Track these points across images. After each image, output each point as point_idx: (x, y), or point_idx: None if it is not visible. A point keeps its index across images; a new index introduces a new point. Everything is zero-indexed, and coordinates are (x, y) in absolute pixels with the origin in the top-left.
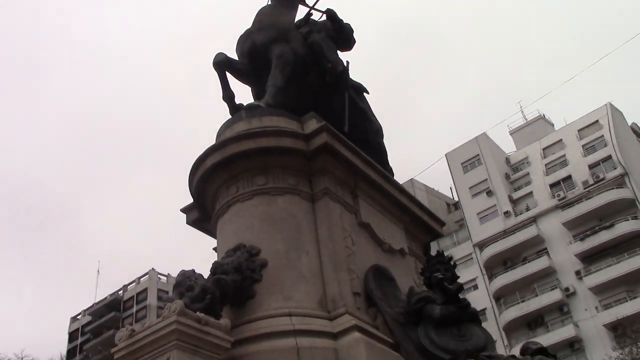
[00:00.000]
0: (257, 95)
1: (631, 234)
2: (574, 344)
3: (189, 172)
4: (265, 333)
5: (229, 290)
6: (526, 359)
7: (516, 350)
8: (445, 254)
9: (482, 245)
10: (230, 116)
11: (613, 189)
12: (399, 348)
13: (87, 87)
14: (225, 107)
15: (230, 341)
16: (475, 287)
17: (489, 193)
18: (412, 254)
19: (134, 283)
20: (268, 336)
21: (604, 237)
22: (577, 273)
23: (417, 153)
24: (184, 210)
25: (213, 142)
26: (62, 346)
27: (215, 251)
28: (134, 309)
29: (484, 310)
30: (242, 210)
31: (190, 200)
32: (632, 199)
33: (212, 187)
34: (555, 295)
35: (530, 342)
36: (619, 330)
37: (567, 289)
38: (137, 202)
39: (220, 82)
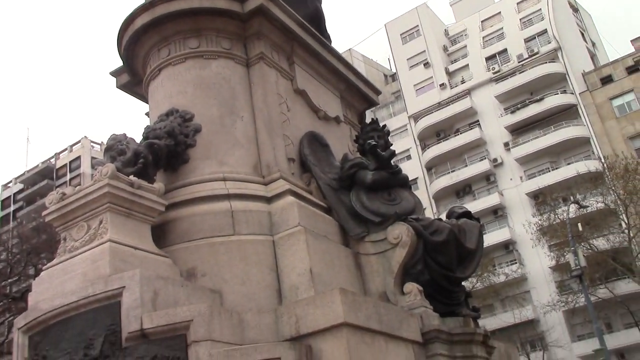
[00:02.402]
0: None
1: (559, 108)
2: (497, 211)
3: (117, 32)
4: (199, 197)
5: (162, 155)
6: (451, 221)
7: (444, 217)
8: (381, 124)
9: (417, 117)
10: None
11: (546, 63)
12: (331, 212)
13: None
14: None
15: (163, 204)
16: (409, 157)
17: (426, 65)
18: (347, 121)
19: (67, 151)
20: (202, 200)
21: (533, 110)
22: (506, 144)
23: (357, 23)
24: (113, 73)
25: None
26: None
27: (148, 116)
28: (68, 177)
29: (415, 179)
30: (174, 74)
31: (120, 63)
32: (562, 73)
33: (143, 50)
34: (483, 166)
35: (455, 206)
36: (540, 198)
37: (495, 160)
38: (65, 66)
39: None
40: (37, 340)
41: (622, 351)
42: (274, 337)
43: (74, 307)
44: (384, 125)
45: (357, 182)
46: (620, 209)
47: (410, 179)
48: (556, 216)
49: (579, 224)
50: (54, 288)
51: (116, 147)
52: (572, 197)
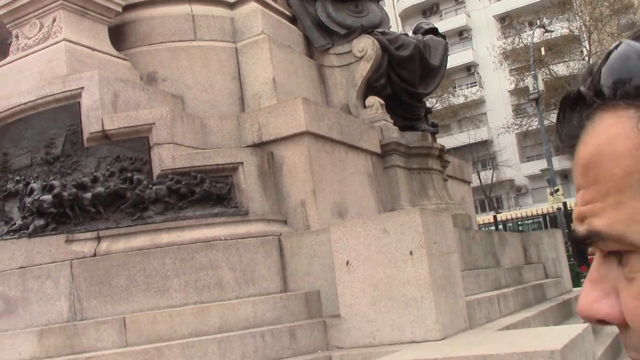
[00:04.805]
0: None
1: None
2: (463, 33)
3: None
4: None
5: None
6: (417, 37)
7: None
8: None
9: None
10: None
11: None
12: (296, 21)
13: None
14: None
15: (120, 5)
16: None
17: None
18: None
19: None
20: (162, 2)
21: None
22: None
23: None
24: None
25: None
26: None
27: None
28: None
29: None
30: None
31: None
32: None
33: None
34: None
35: (422, 22)
36: (507, 21)
37: None
38: None
39: None
40: None
41: (565, 173)
42: (236, 144)
43: (32, 106)
44: None
45: None
46: (584, 35)
47: None
48: (520, 40)
49: (542, 49)
50: (10, 87)
51: None
52: (538, 21)
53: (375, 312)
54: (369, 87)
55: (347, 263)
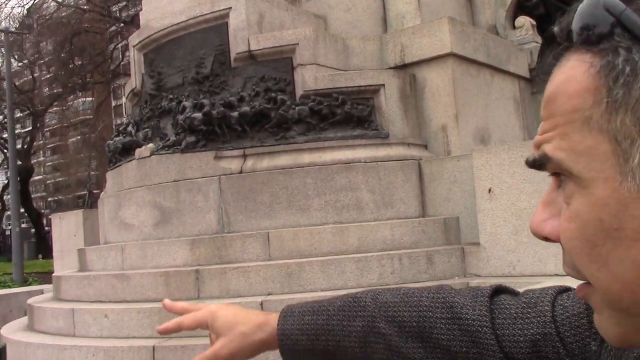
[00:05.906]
0: None
1: None
2: None
3: None
4: None
5: None
6: None
7: None
8: None
9: None
10: None
11: None
12: None
13: None
14: None
15: None
16: None
17: None
18: None
19: None
20: None
21: None
22: None
23: None
24: None
25: None
26: None
27: None
28: None
29: None
30: None
31: None
32: None
33: None
34: None
35: None
36: None
37: None
38: None
39: None
40: (151, 58)
41: None
42: (377, 65)
43: (183, 26)
44: None
45: None
46: None
47: None
48: None
49: None
50: (163, 7)
51: None
52: None
53: (517, 243)
54: (520, 6)
55: (489, 190)
